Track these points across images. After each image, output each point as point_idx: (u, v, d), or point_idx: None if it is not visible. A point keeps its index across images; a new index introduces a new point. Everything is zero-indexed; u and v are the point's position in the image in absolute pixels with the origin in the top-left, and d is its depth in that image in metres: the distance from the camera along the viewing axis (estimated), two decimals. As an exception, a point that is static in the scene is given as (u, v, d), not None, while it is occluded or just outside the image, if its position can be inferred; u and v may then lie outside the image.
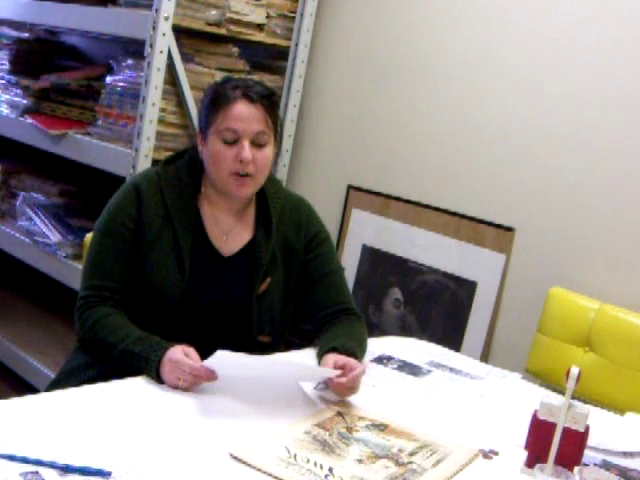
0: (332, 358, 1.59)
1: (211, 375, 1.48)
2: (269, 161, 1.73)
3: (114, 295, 1.69)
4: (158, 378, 1.50)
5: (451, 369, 1.88)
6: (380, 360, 1.85)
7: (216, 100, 1.70)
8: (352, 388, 1.55)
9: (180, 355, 1.50)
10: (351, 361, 1.57)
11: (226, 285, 1.75)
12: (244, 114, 1.68)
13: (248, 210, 1.81)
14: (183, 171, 1.78)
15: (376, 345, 1.94)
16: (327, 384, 1.56)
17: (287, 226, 1.82)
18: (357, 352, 1.66)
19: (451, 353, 2.02)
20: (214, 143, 1.69)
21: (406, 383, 1.73)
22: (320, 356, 1.67)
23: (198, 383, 1.49)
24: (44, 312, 3.40)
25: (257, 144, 1.69)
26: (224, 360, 1.46)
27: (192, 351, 1.53)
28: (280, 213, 1.81)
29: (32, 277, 3.21)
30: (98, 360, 1.68)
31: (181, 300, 1.70)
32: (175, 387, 1.48)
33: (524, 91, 2.45)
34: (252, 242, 1.79)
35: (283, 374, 1.60)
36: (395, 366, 1.83)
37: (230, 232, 1.78)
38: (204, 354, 1.49)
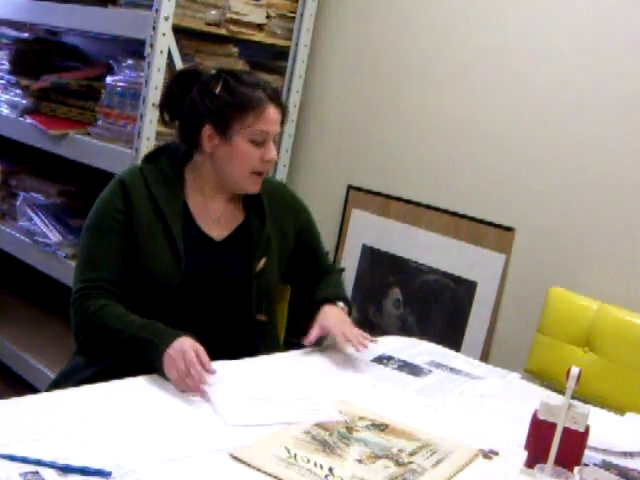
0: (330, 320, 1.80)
1: (206, 376, 1.49)
2: None
3: (109, 286, 1.70)
4: (160, 366, 1.52)
5: (451, 369, 1.88)
6: (380, 360, 1.85)
7: (242, 101, 1.73)
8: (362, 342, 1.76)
9: (189, 347, 1.52)
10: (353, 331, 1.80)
11: (222, 267, 1.79)
12: (275, 117, 1.76)
13: (236, 195, 1.85)
14: (165, 165, 1.81)
15: (376, 345, 1.94)
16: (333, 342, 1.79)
17: (273, 206, 1.89)
18: (342, 294, 1.94)
19: (451, 353, 2.02)
20: (241, 143, 1.74)
21: (406, 383, 1.73)
22: (315, 308, 1.84)
23: (195, 381, 1.49)
24: (44, 312, 3.40)
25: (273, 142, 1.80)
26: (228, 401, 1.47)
27: (201, 349, 1.54)
28: (266, 195, 1.88)
29: (32, 277, 3.21)
30: (97, 351, 1.68)
31: (179, 286, 1.72)
32: (172, 377, 1.49)
33: (524, 91, 2.45)
34: (243, 224, 1.84)
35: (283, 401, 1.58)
36: (395, 366, 1.83)
37: (219, 218, 1.83)
38: (204, 338, 1.55)
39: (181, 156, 1.82)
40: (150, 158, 1.84)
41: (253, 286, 1.80)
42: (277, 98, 1.78)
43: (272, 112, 1.75)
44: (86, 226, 1.77)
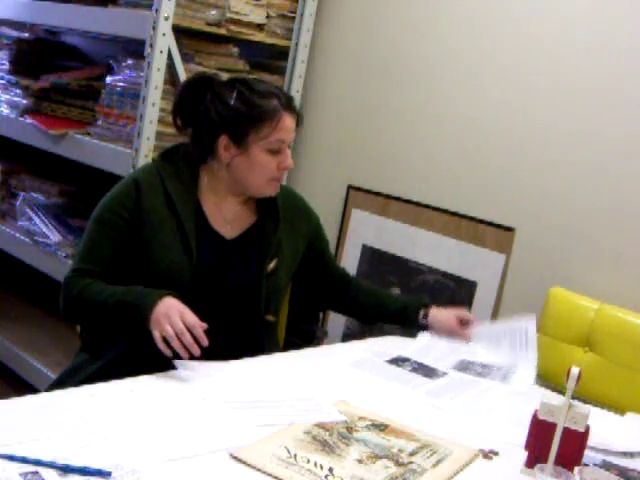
0: (450, 316, 2.03)
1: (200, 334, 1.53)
2: None
3: (98, 280, 1.73)
4: (147, 324, 1.56)
5: (483, 366, 1.87)
6: (395, 362, 1.84)
7: (257, 113, 1.74)
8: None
9: (180, 305, 1.57)
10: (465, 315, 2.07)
11: (233, 266, 1.81)
12: (291, 125, 1.78)
13: (250, 198, 1.87)
14: (181, 164, 1.83)
15: (393, 345, 1.94)
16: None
17: (286, 210, 1.90)
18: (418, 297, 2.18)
19: (478, 350, 1.98)
20: (258, 153, 1.75)
21: (417, 384, 1.72)
22: (413, 314, 2.01)
23: (184, 338, 1.52)
24: (45, 312, 3.39)
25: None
26: None
27: (188, 311, 1.58)
28: (280, 199, 1.89)
29: (32, 277, 3.21)
30: (98, 341, 1.74)
31: (189, 282, 1.73)
32: (160, 334, 1.54)
33: (524, 91, 2.45)
34: (255, 225, 1.86)
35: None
36: (410, 368, 1.81)
37: (232, 219, 1.85)
38: (212, 334, 1.56)
39: (196, 157, 1.84)
40: (166, 156, 1.86)
41: (263, 286, 1.81)
42: (292, 105, 1.79)
43: (288, 121, 1.77)
44: (92, 217, 1.80)
